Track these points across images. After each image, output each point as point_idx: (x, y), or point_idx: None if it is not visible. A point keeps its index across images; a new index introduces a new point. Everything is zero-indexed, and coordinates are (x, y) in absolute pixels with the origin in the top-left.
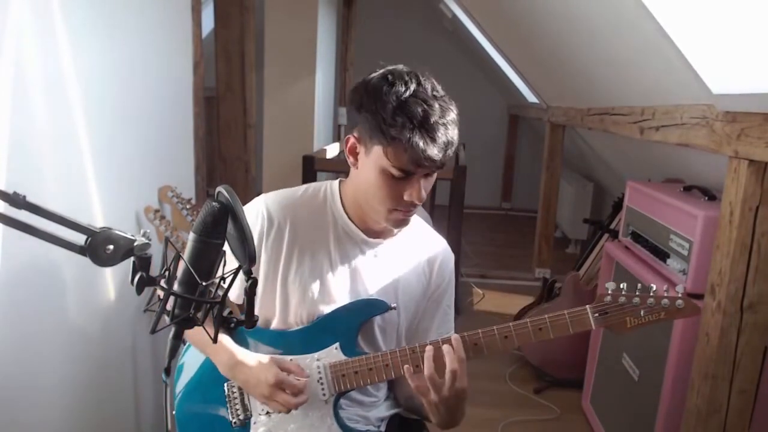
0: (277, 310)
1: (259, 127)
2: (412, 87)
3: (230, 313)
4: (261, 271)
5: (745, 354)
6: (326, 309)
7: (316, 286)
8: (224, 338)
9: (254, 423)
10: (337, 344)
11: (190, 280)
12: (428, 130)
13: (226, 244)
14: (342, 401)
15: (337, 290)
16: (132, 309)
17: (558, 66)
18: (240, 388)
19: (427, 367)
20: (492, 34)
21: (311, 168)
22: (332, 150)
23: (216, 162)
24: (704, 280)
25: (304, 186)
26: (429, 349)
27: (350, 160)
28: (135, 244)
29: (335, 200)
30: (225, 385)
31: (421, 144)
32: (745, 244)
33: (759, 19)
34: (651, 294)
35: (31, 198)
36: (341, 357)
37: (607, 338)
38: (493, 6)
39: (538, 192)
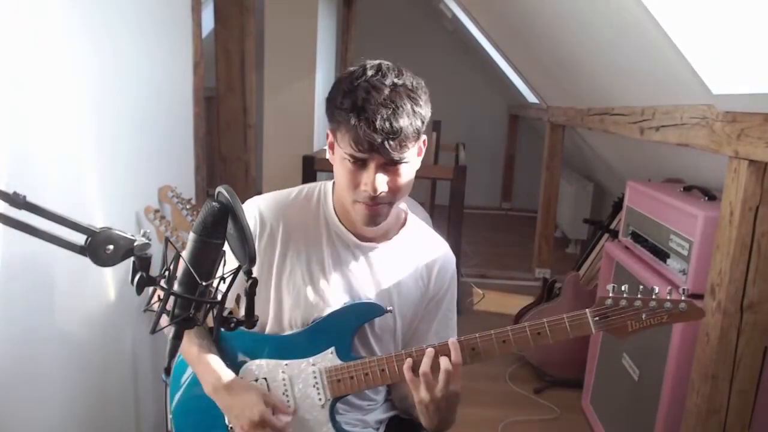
0: (270, 313)
1: (259, 127)
2: (369, 74)
3: (230, 313)
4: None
5: (745, 354)
6: (320, 313)
7: (309, 291)
8: (212, 358)
9: None
10: (332, 348)
11: (190, 280)
12: (368, 113)
13: (226, 244)
14: (339, 406)
15: (331, 294)
16: (132, 309)
17: (558, 66)
18: None
19: (424, 363)
20: (492, 34)
21: (311, 168)
22: None
23: (216, 162)
24: (704, 280)
25: (299, 187)
26: (430, 351)
27: (329, 154)
28: (135, 244)
29: (327, 202)
30: None
31: (359, 127)
32: (745, 244)
33: (759, 20)
34: (653, 296)
35: (31, 198)
36: (336, 361)
37: (607, 338)
38: (493, 6)
39: (538, 192)
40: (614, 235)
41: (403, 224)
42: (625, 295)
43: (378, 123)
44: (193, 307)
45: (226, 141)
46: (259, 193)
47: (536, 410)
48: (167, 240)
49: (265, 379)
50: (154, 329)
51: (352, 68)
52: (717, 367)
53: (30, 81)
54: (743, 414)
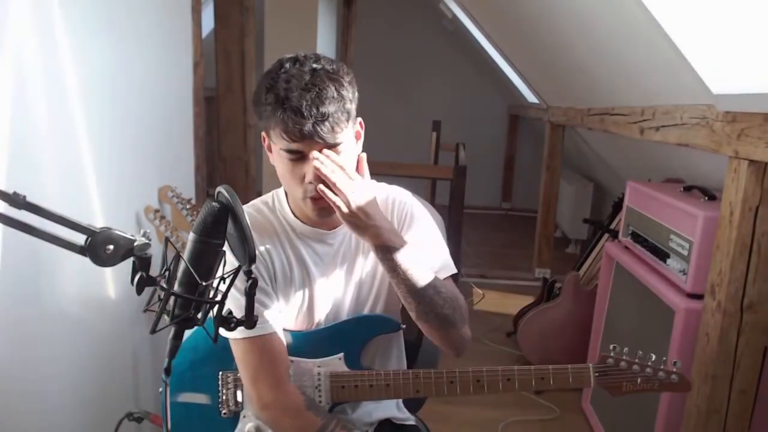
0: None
1: (259, 127)
2: (287, 66)
3: (230, 313)
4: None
5: (745, 354)
6: (321, 314)
7: (300, 297)
8: None
9: (243, 417)
10: (341, 354)
11: (190, 280)
12: (293, 102)
13: (226, 244)
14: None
15: (322, 292)
16: (132, 309)
17: (558, 66)
18: (236, 379)
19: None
20: (492, 34)
21: None
22: None
23: (216, 162)
24: (704, 280)
25: (250, 204)
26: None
27: (271, 158)
28: (135, 244)
29: (283, 206)
30: (220, 373)
31: (286, 117)
32: (745, 244)
33: (759, 20)
34: (649, 364)
35: (31, 198)
36: (344, 368)
37: (607, 338)
38: (493, 6)
39: (538, 192)
40: (614, 235)
41: None
42: (625, 358)
43: (304, 109)
44: (193, 307)
45: (226, 141)
46: (260, 193)
47: (536, 410)
48: (167, 240)
49: None
50: (154, 329)
51: (271, 66)
52: (717, 367)
53: (30, 81)
54: (743, 414)
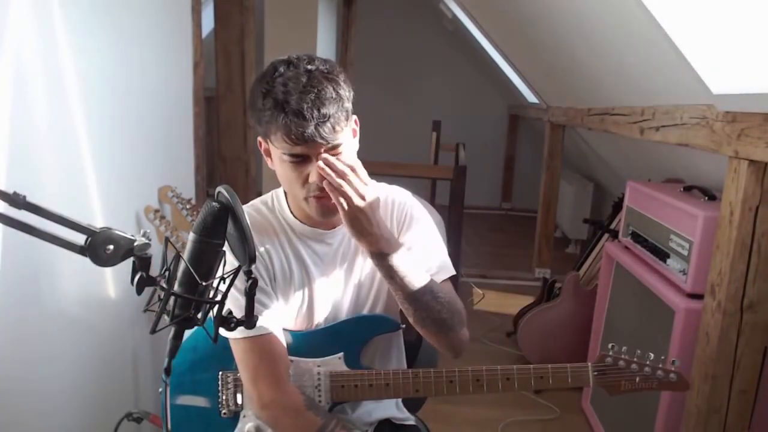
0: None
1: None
2: (281, 70)
3: (230, 313)
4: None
5: (745, 354)
6: (321, 314)
7: (299, 297)
8: None
9: (243, 416)
10: (341, 354)
11: (190, 280)
12: (293, 105)
13: (226, 244)
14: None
15: (322, 292)
16: (132, 309)
17: (558, 66)
18: (235, 379)
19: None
20: (492, 34)
21: None
22: None
23: (216, 162)
24: (704, 280)
25: (250, 203)
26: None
27: (268, 162)
28: (135, 244)
29: (283, 207)
30: (220, 373)
31: (289, 122)
32: (745, 244)
33: (759, 20)
34: (648, 362)
35: (31, 198)
36: (344, 367)
37: (607, 338)
38: (493, 6)
39: (538, 192)
40: (614, 235)
41: None
42: (623, 356)
43: (305, 111)
44: (193, 307)
45: (226, 141)
46: (260, 193)
47: (536, 410)
48: (167, 240)
49: None
50: (154, 329)
51: (263, 71)
52: (717, 367)
53: (30, 81)
54: (743, 414)
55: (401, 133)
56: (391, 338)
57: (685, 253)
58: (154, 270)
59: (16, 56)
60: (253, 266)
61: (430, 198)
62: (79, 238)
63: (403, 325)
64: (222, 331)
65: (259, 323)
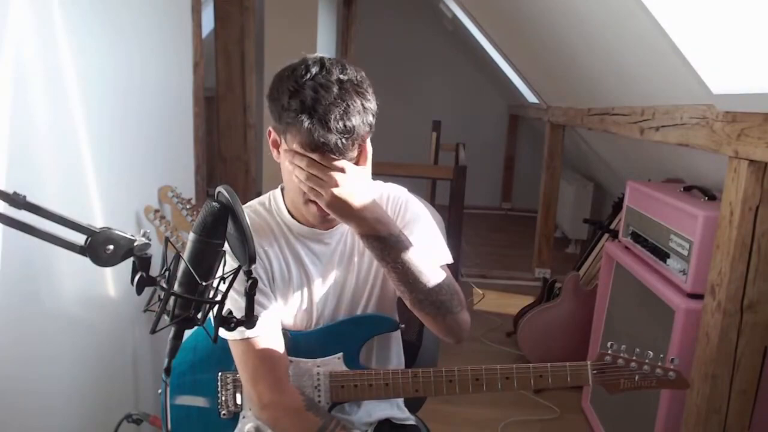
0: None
1: (259, 127)
2: (313, 71)
3: (230, 312)
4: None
5: (745, 354)
6: (320, 314)
7: (298, 297)
8: None
9: (243, 417)
10: (340, 354)
11: (190, 280)
12: (320, 114)
13: (226, 244)
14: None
15: (321, 292)
16: (132, 309)
17: (558, 66)
18: (235, 380)
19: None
20: (492, 34)
21: None
22: None
23: (216, 162)
24: (704, 280)
25: (247, 204)
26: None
27: (274, 153)
28: (135, 244)
29: (280, 207)
30: (219, 373)
31: (312, 129)
32: (745, 244)
33: (759, 20)
34: (647, 361)
35: (31, 198)
36: (343, 367)
37: (607, 338)
38: (493, 6)
39: (538, 192)
40: (614, 235)
41: None
42: (622, 355)
43: (332, 123)
44: (193, 307)
45: (226, 141)
46: (260, 193)
47: (536, 410)
48: (167, 240)
49: None
50: (154, 329)
51: (292, 64)
52: (717, 367)
53: (30, 81)
54: (743, 414)
55: (401, 133)
56: (391, 338)
57: (685, 253)
58: (154, 270)
59: (16, 56)
60: (253, 267)
61: (430, 198)
62: (79, 238)
63: (402, 325)
64: (221, 333)
65: (258, 324)
